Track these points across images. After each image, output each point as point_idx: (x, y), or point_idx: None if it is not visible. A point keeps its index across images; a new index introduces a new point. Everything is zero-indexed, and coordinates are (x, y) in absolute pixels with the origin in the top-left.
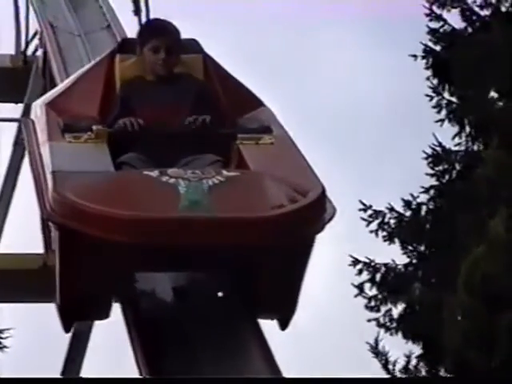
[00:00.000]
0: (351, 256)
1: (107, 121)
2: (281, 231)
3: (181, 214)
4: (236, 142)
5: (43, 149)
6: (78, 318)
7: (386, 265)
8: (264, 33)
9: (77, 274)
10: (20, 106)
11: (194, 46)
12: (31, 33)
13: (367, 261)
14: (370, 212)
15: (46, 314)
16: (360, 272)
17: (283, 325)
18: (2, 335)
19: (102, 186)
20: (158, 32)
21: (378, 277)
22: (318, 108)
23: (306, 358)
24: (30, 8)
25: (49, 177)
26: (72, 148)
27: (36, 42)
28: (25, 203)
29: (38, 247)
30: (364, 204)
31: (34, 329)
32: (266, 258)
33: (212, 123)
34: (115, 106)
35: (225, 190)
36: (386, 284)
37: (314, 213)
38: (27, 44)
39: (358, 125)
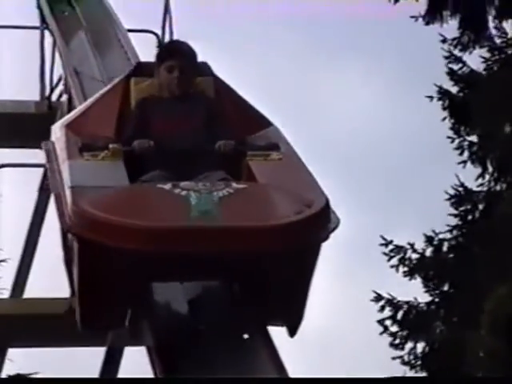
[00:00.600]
0: (374, 292)
1: (123, 137)
2: (287, 239)
3: (191, 223)
4: (246, 158)
5: (63, 167)
6: (96, 327)
7: (407, 302)
8: (282, 66)
9: (93, 283)
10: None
11: (204, 68)
12: (56, 78)
13: (389, 297)
14: (391, 247)
15: (72, 357)
16: (382, 308)
17: (292, 332)
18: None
19: (118, 199)
20: (174, 52)
21: (399, 314)
22: (337, 145)
23: None
24: (56, 54)
25: (68, 192)
26: (89, 165)
27: (61, 87)
28: (50, 248)
29: (63, 291)
30: (385, 239)
31: (59, 373)
32: (274, 266)
33: (236, 147)
34: (130, 121)
35: (234, 200)
36: (408, 322)
37: (319, 222)
38: (52, 90)
39: (379, 163)
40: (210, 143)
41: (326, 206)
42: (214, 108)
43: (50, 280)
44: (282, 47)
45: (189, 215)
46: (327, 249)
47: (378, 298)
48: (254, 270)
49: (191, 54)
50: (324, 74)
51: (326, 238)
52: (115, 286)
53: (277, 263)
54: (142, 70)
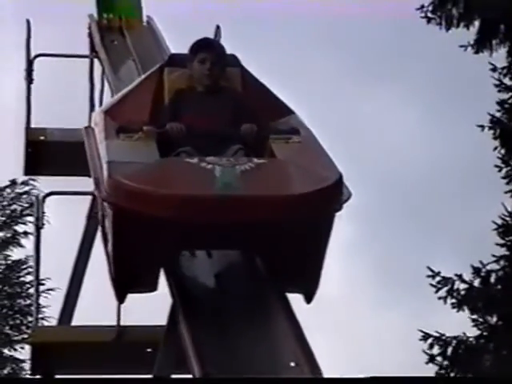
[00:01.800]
0: (421, 331)
1: (157, 124)
2: (303, 208)
3: (215, 192)
4: (268, 141)
5: (101, 146)
6: (129, 290)
7: (456, 338)
8: (318, 91)
9: (127, 248)
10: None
11: (233, 60)
12: None
13: (437, 335)
14: (438, 279)
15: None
16: (431, 346)
17: (308, 299)
18: None
19: (149, 171)
20: (205, 46)
21: (449, 350)
22: (382, 171)
23: None
24: (105, 82)
25: (104, 166)
26: (125, 145)
27: None
28: (98, 276)
29: (111, 319)
30: (432, 270)
31: None
32: (291, 235)
33: (259, 131)
34: (165, 111)
35: (254, 173)
36: (458, 357)
37: (333, 194)
38: None
39: (426, 192)
40: (237, 127)
41: (340, 180)
42: (241, 100)
43: (98, 308)
44: (318, 72)
45: (213, 186)
46: (376, 282)
47: (426, 336)
48: (273, 240)
49: (221, 48)
50: (369, 100)
51: (339, 208)
52: (146, 252)
53: (294, 232)
54: (174, 61)
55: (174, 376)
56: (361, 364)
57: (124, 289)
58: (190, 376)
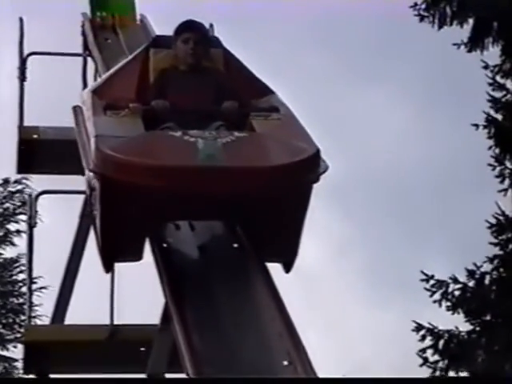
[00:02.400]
0: (415, 322)
1: (143, 101)
2: (282, 179)
3: (198, 163)
4: (249, 118)
5: (88, 123)
6: (116, 259)
7: (449, 331)
8: (310, 90)
9: (114, 218)
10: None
11: (215, 42)
12: None
13: (430, 327)
14: (432, 282)
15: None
16: (423, 338)
17: (287, 268)
18: None
19: (134, 144)
20: (189, 27)
21: (440, 343)
22: (373, 170)
23: None
24: (98, 80)
25: (92, 140)
26: (111, 121)
27: None
28: (91, 274)
29: (104, 318)
30: (426, 274)
31: None
32: (270, 205)
33: (240, 108)
34: (150, 89)
35: (235, 146)
36: (449, 351)
37: (310, 166)
38: None
39: (418, 191)
40: (218, 105)
41: (317, 153)
42: (224, 79)
43: (91, 307)
44: (311, 70)
45: (196, 157)
46: (369, 282)
47: (419, 327)
48: (253, 210)
49: (204, 29)
50: (362, 97)
51: (316, 180)
52: (132, 222)
53: (273, 203)
54: (159, 42)
55: (168, 375)
56: (353, 360)
57: (111, 258)
58: (184, 376)
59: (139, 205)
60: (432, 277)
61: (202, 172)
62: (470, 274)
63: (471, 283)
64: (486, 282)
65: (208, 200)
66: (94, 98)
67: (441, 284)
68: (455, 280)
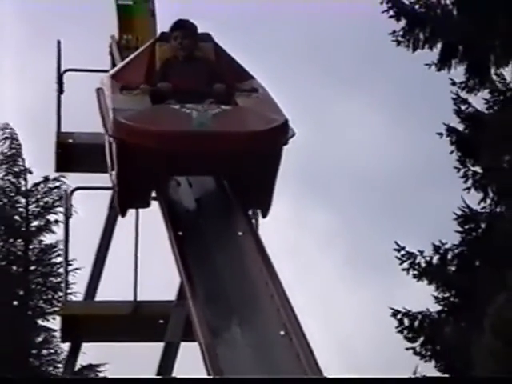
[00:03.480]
0: (392, 308)
1: (150, 84)
2: (259, 141)
3: (193, 129)
4: (234, 96)
5: (108, 100)
6: (129, 207)
7: (421, 313)
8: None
9: (127, 173)
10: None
11: (207, 37)
12: None
13: (405, 311)
14: (402, 252)
15: (135, 351)
16: (400, 321)
17: (264, 214)
18: (99, 369)
19: (144, 115)
20: (178, 26)
21: (416, 324)
22: (357, 170)
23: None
24: None
25: (110, 112)
26: (126, 98)
27: None
28: (118, 257)
29: (128, 296)
30: (398, 245)
31: (124, 364)
32: (250, 163)
33: (227, 89)
34: (156, 74)
35: (222, 116)
36: (423, 330)
37: (281, 131)
38: None
39: (393, 187)
40: (210, 86)
41: (286, 123)
42: (214, 66)
43: (117, 286)
44: (291, 76)
45: (191, 124)
46: (350, 263)
47: (396, 312)
48: (236, 167)
49: (191, 26)
50: (344, 104)
51: (285, 142)
52: (141, 175)
53: (252, 161)
54: (164, 37)
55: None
56: (336, 336)
57: (125, 205)
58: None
59: (146, 162)
60: (403, 248)
61: (195, 135)
62: (436, 249)
63: (436, 258)
64: (449, 257)
65: (200, 159)
66: (112, 81)
67: (410, 255)
68: (422, 252)
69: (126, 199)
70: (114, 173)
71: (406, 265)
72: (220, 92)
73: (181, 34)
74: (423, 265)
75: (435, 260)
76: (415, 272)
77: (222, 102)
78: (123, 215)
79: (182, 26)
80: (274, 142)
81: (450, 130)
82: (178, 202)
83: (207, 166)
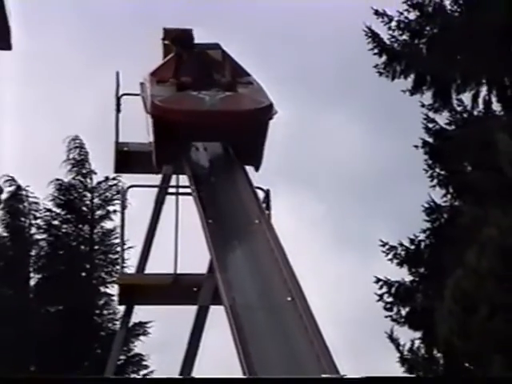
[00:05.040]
0: (375, 276)
1: (177, 78)
2: (253, 116)
3: (205, 108)
4: (236, 87)
5: (148, 90)
6: (163, 165)
7: (398, 281)
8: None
9: (160, 139)
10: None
11: (217, 46)
12: None
13: (385, 279)
14: (387, 247)
15: (174, 313)
16: (381, 287)
17: (256, 169)
18: (147, 326)
19: (172, 99)
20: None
21: (392, 290)
22: (341, 174)
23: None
24: None
25: (149, 98)
26: (159, 88)
27: None
28: (162, 239)
29: (170, 270)
30: (382, 241)
31: (166, 322)
32: (247, 132)
33: (230, 82)
34: (181, 72)
35: (227, 99)
36: (398, 294)
37: (267, 110)
38: None
39: (371, 185)
40: (219, 80)
41: (271, 104)
42: (221, 66)
43: (162, 261)
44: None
45: (204, 105)
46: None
47: (378, 280)
48: (237, 135)
49: (201, 46)
50: (327, 117)
51: (271, 117)
52: (170, 141)
53: (248, 130)
54: (187, 45)
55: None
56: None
57: (159, 163)
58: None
59: (173, 132)
60: (387, 243)
61: (207, 113)
62: (411, 241)
63: (412, 247)
64: (422, 246)
65: (211, 129)
66: (151, 77)
67: (392, 248)
68: (401, 244)
69: (159, 158)
70: (151, 140)
71: (389, 256)
72: (226, 84)
73: (201, 44)
74: (402, 254)
75: (410, 247)
76: (397, 261)
77: (227, 90)
78: (158, 168)
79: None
80: (263, 117)
81: (424, 143)
82: (197, 162)
83: (216, 135)
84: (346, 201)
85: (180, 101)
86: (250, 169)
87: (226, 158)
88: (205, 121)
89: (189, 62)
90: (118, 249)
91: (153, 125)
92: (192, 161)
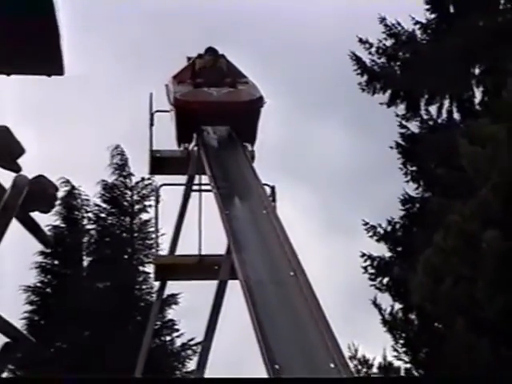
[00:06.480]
0: (361, 251)
1: (194, 79)
2: (249, 106)
3: (214, 99)
4: (236, 85)
5: (171, 89)
6: (183, 143)
7: (379, 256)
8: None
9: (180, 123)
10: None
11: (222, 55)
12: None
13: (369, 254)
14: (368, 226)
15: (199, 286)
16: (365, 260)
17: (252, 145)
18: (177, 297)
19: (189, 94)
20: (208, 51)
21: (375, 263)
22: (328, 172)
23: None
24: None
25: (172, 93)
26: (180, 87)
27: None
28: (189, 227)
29: (194, 251)
30: (365, 221)
31: (192, 294)
32: (245, 118)
33: (231, 81)
34: (196, 74)
35: (229, 93)
36: (380, 267)
37: (259, 101)
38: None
39: (360, 178)
40: (224, 81)
41: (262, 96)
42: (225, 72)
43: (189, 245)
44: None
45: (212, 97)
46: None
47: (363, 255)
48: (237, 121)
49: (215, 51)
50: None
51: (262, 105)
52: (188, 125)
53: (246, 117)
54: (201, 55)
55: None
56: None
57: (180, 141)
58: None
59: (190, 118)
60: (368, 223)
61: (215, 103)
62: (389, 222)
63: (389, 228)
64: (398, 227)
65: (218, 116)
66: (173, 79)
67: (372, 227)
68: (380, 226)
69: (180, 138)
70: (173, 125)
71: (370, 233)
72: (229, 82)
73: (210, 54)
74: (382, 232)
75: (388, 229)
76: (376, 237)
77: (230, 86)
78: (179, 146)
79: (211, 49)
80: (257, 106)
81: (397, 145)
82: (207, 142)
83: (221, 120)
84: (337, 194)
85: (195, 95)
86: (257, 167)
87: (242, 163)
88: (213, 109)
89: (202, 68)
90: (153, 235)
91: (175, 113)
92: (213, 163)
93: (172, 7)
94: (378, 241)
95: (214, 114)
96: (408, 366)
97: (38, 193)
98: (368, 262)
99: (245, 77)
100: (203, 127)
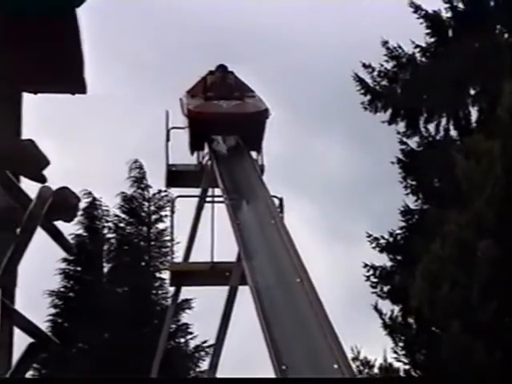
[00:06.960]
0: (364, 262)
1: (205, 93)
2: (255, 116)
3: (223, 111)
4: (243, 98)
5: (185, 101)
6: (195, 150)
7: (381, 266)
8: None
9: (193, 132)
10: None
11: (231, 72)
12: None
13: (371, 265)
14: (371, 238)
15: (212, 291)
16: (368, 270)
17: (258, 152)
18: (191, 302)
19: (200, 106)
20: (218, 68)
21: (377, 272)
22: (329, 183)
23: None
24: None
25: (185, 106)
26: (193, 100)
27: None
28: (202, 236)
29: (206, 258)
30: (368, 233)
31: (204, 299)
32: (252, 128)
33: (239, 95)
34: (207, 90)
35: (238, 105)
36: (383, 276)
37: (265, 112)
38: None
39: (362, 190)
40: (232, 95)
41: (267, 109)
42: (233, 87)
43: (203, 253)
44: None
45: (222, 109)
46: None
47: (366, 265)
48: (245, 130)
49: (225, 68)
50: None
51: (267, 117)
52: (200, 133)
53: (253, 126)
54: (212, 72)
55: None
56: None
57: (193, 149)
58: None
59: (202, 127)
60: (371, 235)
61: (224, 114)
62: (390, 234)
63: (391, 239)
64: (398, 238)
65: (227, 126)
66: (187, 94)
67: (375, 238)
68: (383, 237)
69: (192, 147)
70: (187, 133)
71: (373, 245)
72: (237, 96)
73: (220, 71)
74: (384, 244)
75: (390, 240)
76: (379, 249)
77: (238, 100)
78: (192, 154)
79: (222, 66)
80: (262, 117)
81: (398, 161)
82: (218, 150)
83: (230, 130)
84: (337, 206)
85: (206, 107)
86: (265, 180)
87: (251, 176)
88: (222, 119)
89: (212, 83)
90: (169, 244)
91: (188, 123)
92: (225, 177)
93: (181, 28)
94: (380, 251)
95: (223, 124)
96: (407, 366)
97: (62, 203)
98: (371, 272)
99: (252, 91)
100: (213, 137)
